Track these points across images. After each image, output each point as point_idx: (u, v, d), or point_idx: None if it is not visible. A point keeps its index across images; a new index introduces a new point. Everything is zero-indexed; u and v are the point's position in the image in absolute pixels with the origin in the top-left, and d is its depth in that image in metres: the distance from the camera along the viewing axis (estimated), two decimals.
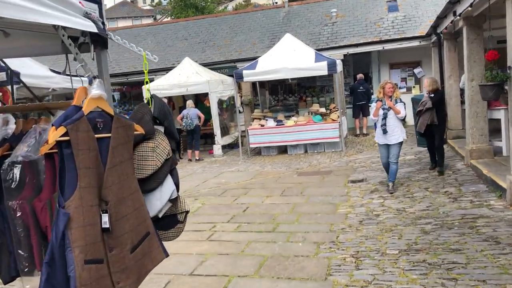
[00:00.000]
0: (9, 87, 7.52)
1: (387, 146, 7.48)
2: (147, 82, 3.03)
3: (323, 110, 13.02)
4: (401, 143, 7.50)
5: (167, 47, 17.13)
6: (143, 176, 2.21)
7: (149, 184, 2.23)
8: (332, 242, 5.45)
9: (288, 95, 16.14)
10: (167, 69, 14.79)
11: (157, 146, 2.28)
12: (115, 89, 17.57)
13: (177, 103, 16.33)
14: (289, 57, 12.25)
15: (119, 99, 18.12)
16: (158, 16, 56.61)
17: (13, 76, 7.43)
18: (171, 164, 2.36)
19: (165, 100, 12.46)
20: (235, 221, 6.71)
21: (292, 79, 12.99)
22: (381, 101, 7.41)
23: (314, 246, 5.37)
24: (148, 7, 75.06)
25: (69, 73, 3.29)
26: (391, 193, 7.40)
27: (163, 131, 2.46)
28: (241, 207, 7.49)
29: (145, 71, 2.76)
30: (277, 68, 12.03)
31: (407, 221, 5.97)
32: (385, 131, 7.35)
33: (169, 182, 2.33)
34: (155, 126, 2.46)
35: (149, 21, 49.22)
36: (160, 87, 13.80)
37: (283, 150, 13.23)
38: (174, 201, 2.41)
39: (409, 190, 7.57)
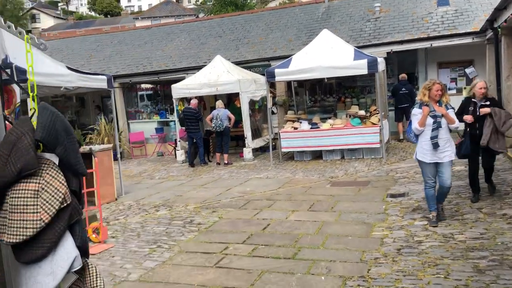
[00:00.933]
0: (15, 86, 7.02)
1: (435, 165, 5.96)
2: (25, 80, 2.19)
3: (362, 112, 11.93)
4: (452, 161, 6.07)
5: (200, 45, 16.49)
6: (19, 240, 1.39)
7: (31, 251, 1.40)
8: (362, 278, 4.49)
9: (326, 96, 15.10)
10: (199, 68, 14.12)
11: (43, 189, 1.47)
12: (147, 88, 17.12)
13: (208, 103, 15.66)
14: (326, 55, 11.26)
15: (152, 99, 17.66)
16: (201, 15, 56.68)
17: (20, 74, 6.88)
18: (70, 216, 1.53)
19: (196, 101, 11.82)
20: (251, 241, 5.85)
21: (329, 78, 11.97)
22: (427, 105, 6.05)
23: (339, 282, 4.43)
24: (192, 6, 75.51)
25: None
26: (435, 226, 5.90)
27: (57, 162, 1.64)
28: (262, 223, 6.62)
29: (29, 65, 1.94)
30: (312, 67, 11.07)
31: (456, 253, 4.91)
32: (436, 146, 5.81)
33: (66, 245, 1.49)
34: (42, 155, 1.65)
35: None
36: (190, 86, 13.17)
37: (317, 155, 12.25)
38: (79, 273, 1.58)
39: (458, 210, 6.46)
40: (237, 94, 12.93)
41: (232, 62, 14.19)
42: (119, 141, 15.62)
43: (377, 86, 11.83)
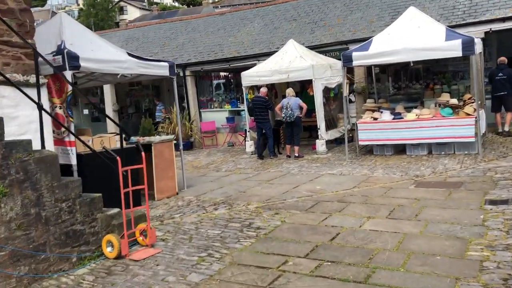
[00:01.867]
0: (66, 73, 6.61)
1: None
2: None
3: (454, 101, 10.38)
4: None
5: (274, 29, 15.61)
6: None
7: None
8: None
9: (412, 82, 13.55)
10: (271, 54, 13.27)
11: None
12: (220, 76, 16.61)
13: (280, 91, 14.75)
14: (412, 35, 9.87)
15: (225, 88, 17.13)
16: None
17: (71, 60, 6.46)
18: None
19: (266, 89, 10.99)
20: (316, 255, 4.92)
21: (415, 62, 10.52)
22: None
23: None
24: None
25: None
26: None
27: None
28: (330, 232, 5.65)
29: None
30: (395, 49, 9.76)
31: None
32: None
33: None
34: None
35: None
36: (260, 73, 12.39)
37: (400, 149, 10.93)
38: None
39: None
40: (310, 81, 11.92)
41: (306, 47, 13.18)
42: (191, 131, 15.35)
43: (472, 71, 10.22)
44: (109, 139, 7.38)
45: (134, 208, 5.44)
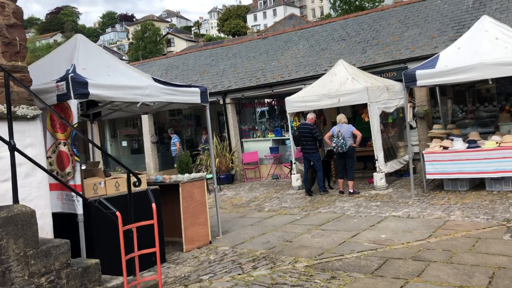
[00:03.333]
0: (71, 102, 5.48)
1: None
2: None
3: None
4: None
5: (320, 51, 14.27)
6: None
7: None
8: None
9: (482, 104, 11.71)
10: (319, 77, 11.89)
11: None
12: (261, 103, 15.37)
13: (329, 117, 13.31)
14: (489, 49, 8.23)
15: (269, 115, 15.87)
16: None
17: (77, 87, 5.32)
18: None
19: (313, 115, 9.60)
20: None
21: (486, 81, 8.80)
22: None
23: None
24: (316, 20, 73.98)
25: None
26: None
27: None
28: None
29: None
30: (470, 65, 8.12)
31: None
32: None
33: None
34: None
35: None
36: (306, 98, 11.02)
37: (477, 184, 9.15)
38: None
39: None
40: (364, 106, 10.42)
41: (358, 68, 11.73)
42: (232, 163, 14.09)
43: None
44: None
45: (144, 278, 4.09)
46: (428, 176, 9.25)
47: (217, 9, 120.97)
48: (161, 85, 6.64)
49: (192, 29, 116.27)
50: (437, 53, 9.49)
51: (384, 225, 7.17)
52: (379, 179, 10.17)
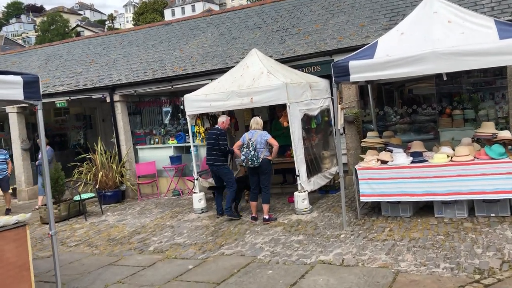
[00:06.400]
0: None
1: None
2: None
3: (506, 134, 6.78)
4: None
5: (232, 40, 11.87)
6: None
7: None
8: None
9: (421, 107, 9.93)
10: (229, 69, 9.46)
11: None
12: (165, 101, 12.65)
13: (243, 120, 10.97)
14: (440, 34, 6.30)
15: (173, 116, 13.21)
16: None
17: None
18: None
19: (225, 118, 6.85)
20: None
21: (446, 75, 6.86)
22: None
23: None
24: None
25: None
26: None
27: None
28: None
29: None
30: (418, 55, 6.11)
31: None
32: None
33: None
34: None
35: None
36: (211, 96, 8.56)
37: (420, 207, 7.27)
38: None
39: None
40: (284, 107, 8.18)
41: (276, 60, 9.49)
42: (121, 176, 11.26)
43: None
44: None
45: None
46: (362, 199, 7.17)
47: (133, 3, 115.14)
48: None
49: (106, 23, 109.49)
50: (368, 43, 7.44)
51: (311, 281, 4.88)
52: (301, 200, 7.95)
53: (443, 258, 5.20)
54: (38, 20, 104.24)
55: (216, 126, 8.49)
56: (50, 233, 4.71)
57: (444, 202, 6.74)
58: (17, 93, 4.46)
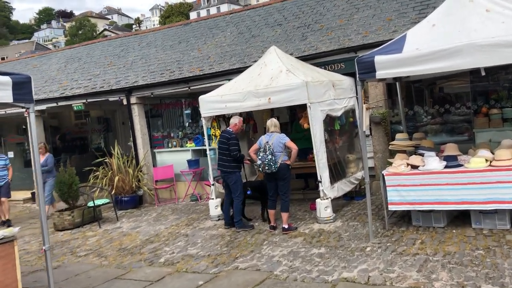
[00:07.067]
0: None
1: None
2: None
3: None
4: None
5: (251, 38, 11.39)
6: None
7: None
8: None
9: (454, 106, 9.19)
10: (247, 68, 8.97)
11: None
12: (180, 102, 12.25)
13: (261, 122, 10.45)
14: (477, 24, 5.63)
15: (192, 119, 12.77)
16: None
17: None
18: None
19: (238, 119, 6.20)
20: None
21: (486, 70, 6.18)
22: None
23: None
24: None
25: None
26: None
27: None
28: None
29: None
30: (453, 47, 5.46)
31: None
32: None
33: None
34: None
35: None
36: (226, 97, 8.07)
37: (455, 215, 6.59)
38: None
39: None
40: (304, 107, 7.62)
41: (296, 58, 8.95)
42: (138, 181, 10.91)
43: None
44: None
45: None
46: (391, 207, 6.54)
47: (159, 6, 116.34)
48: None
49: (133, 26, 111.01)
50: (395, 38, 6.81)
51: None
52: (323, 208, 7.37)
53: (484, 278, 4.55)
54: (68, 25, 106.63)
55: (228, 128, 7.98)
56: (44, 248, 4.30)
57: (482, 211, 6.06)
58: (6, 95, 4.07)
